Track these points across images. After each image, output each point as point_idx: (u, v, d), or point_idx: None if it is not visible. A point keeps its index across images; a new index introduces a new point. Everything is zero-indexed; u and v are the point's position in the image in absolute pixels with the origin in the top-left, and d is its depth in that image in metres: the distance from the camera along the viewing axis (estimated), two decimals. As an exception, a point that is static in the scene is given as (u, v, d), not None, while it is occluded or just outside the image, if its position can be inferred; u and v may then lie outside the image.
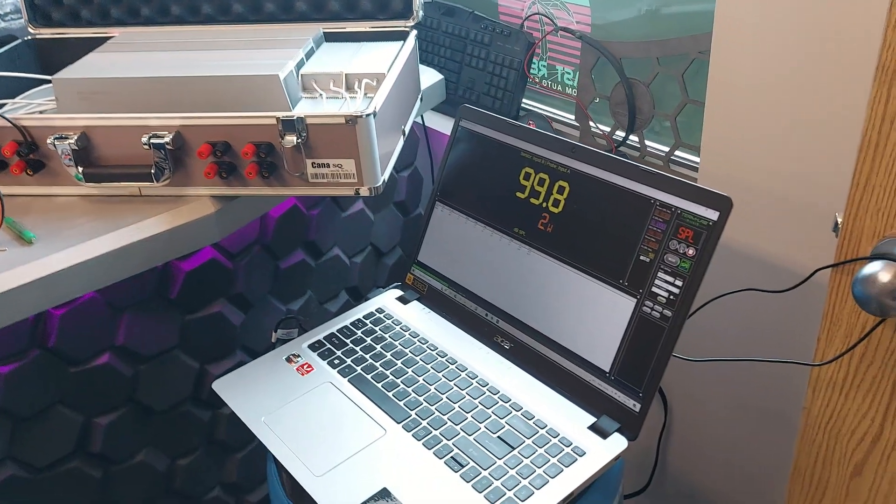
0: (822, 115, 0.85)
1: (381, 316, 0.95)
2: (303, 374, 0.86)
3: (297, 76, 0.96)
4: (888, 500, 0.77)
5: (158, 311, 0.99)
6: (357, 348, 0.90)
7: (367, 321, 0.94)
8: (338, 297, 1.27)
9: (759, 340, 1.03)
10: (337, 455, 0.75)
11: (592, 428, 0.77)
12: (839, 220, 0.71)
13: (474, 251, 0.92)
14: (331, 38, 1.09)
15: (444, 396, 0.82)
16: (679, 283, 0.74)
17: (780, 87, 0.87)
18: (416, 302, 0.98)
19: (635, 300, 0.77)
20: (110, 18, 1.12)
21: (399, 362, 0.87)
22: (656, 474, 1.29)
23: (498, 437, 0.76)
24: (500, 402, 0.80)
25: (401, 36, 1.08)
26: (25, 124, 0.86)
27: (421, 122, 1.35)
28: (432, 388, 0.83)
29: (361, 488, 0.71)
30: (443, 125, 1.35)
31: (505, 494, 0.70)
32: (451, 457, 0.74)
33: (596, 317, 0.80)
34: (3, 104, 0.99)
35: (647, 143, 1.14)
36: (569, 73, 1.23)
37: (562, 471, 0.72)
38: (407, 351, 0.89)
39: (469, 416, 0.79)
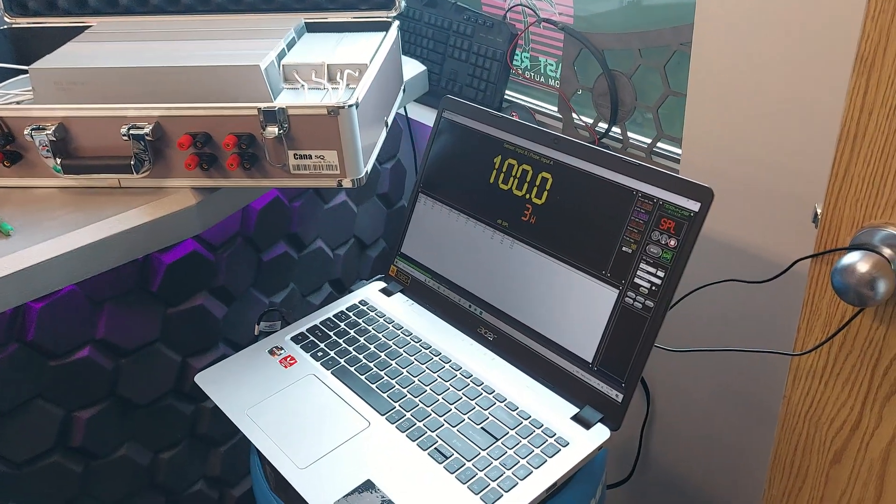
0: (802, 107, 0.85)
1: (365, 308, 0.95)
2: (286, 367, 0.86)
3: (279, 66, 0.95)
4: (867, 487, 0.78)
5: (139, 304, 0.98)
6: (340, 340, 0.90)
7: (351, 313, 0.94)
8: (321, 290, 1.26)
9: (740, 330, 1.04)
10: (321, 447, 0.75)
11: (575, 418, 0.77)
12: (819, 211, 0.71)
13: (457, 243, 0.92)
14: (312, 28, 1.08)
15: (427, 388, 0.82)
16: (661, 273, 0.74)
17: (761, 78, 0.88)
18: (399, 294, 0.98)
19: (618, 291, 0.77)
20: (88, 7, 1.11)
21: (382, 354, 0.87)
22: (639, 464, 1.30)
23: (481, 427, 0.76)
24: (484, 394, 0.81)
25: (383, 26, 1.07)
26: (2, 115, 0.85)
27: (404, 114, 1.35)
28: (416, 379, 0.83)
29: (345, 480, 0.71)
30: (426, 116, 1.35)
31: (489, 485, 0.70)
32: (435, 448, 0.74)
33: (579, 308, 0.80)
34: (-21, 95, 0.97)
35: (630, 134, 1.15)
36: (551, 65, 1.23)
37: (545, 461, 0.72)
38: (390, 343, 0.89)
39: (453, 407, 0.79)
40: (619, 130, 1.15)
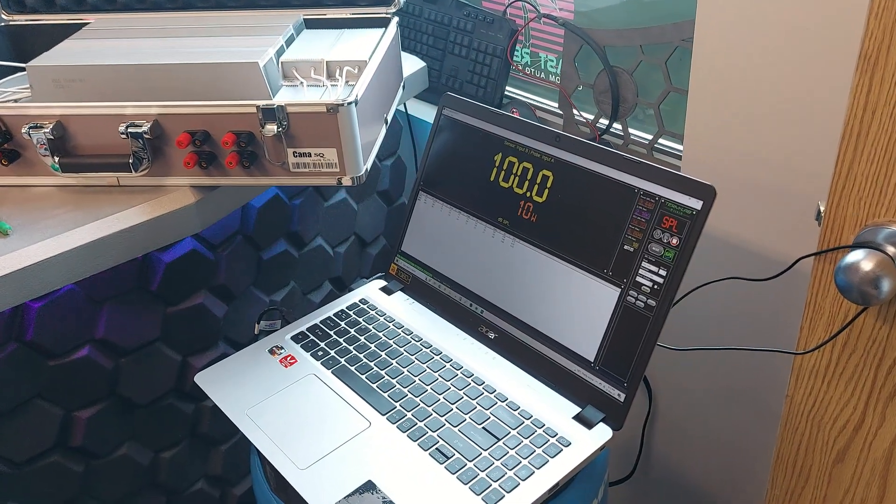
0: (804, 104, 0.85)
1: (365, 307, 0.95)
2: (286, 367, 0.86)
3: (278, 63, 0.94)
4: (870, 487, 0.78)
5: (139, 304, 0.98)
6: (341, 340, 0.89)
7: (351, 312, 0.94)
8: (321, 288, 1.26)
9: (742, 328, 1.03)
10: (321, 448, 0.74)
11: (577, 418, 0.77)
12: (822, 209, 0.71)
13: (458, 241, 0.92)
14: (311, 24, 1.07)
15: (428, 387, 0.81)
16: (663, 272, 0.74)
17: (764, 75, 0.87)
18: (399, 292, 0.97)
19: (619, 290, 0.77)
20: (86, 4, 1.10)
21: (383, 353, 0.87)
22: (641, 462, 1.30)
23: (483, 427, 0.76)
24: (485, 393, 0.80)
25: (382, 23, 1.06)
26: (-1, 113, 0.84)
27: (404, 111, 1.34)
28: (417, 379, 0.82)
29: (346, 481, 0.71)
30: (426, 113, 1.34)
31: (490, 486, 0.70)
32: (436, 448, 0.74)
33: (580, 307, 0.80)
34: (-24, 93, 0.97)
35: (631, 131, 1.14)
36: (552, 61, 1.23)
37: (547, 461, 0.72)
38: (391, 342, 0.88)
39: (454, 407, 0.79)
40: (620, 127, 1.15)
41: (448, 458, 0.73)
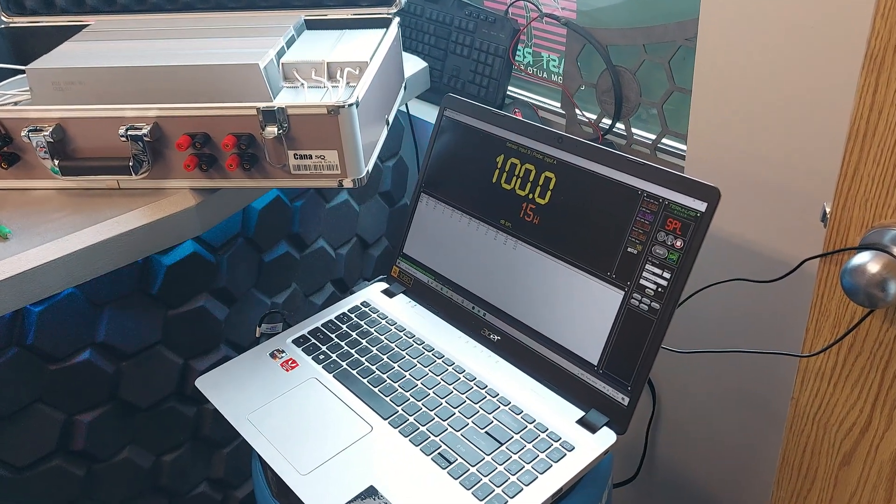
0: (809, 104, 0.84)
1: (367, 310, 0.94)
2: (287, 370, 0.85)
3: (278, 65, 0.94)
4: (877, 490, 0.77)
5: (140, 307, 0.97)
6: (342, 343, 0.89)
7: (353, 315, 0.93)
8: (323, 290, 1.25)
9: (747, 330, 1.03)
10: (323, 453, 0.74)
11: (581, 422, 0.76)
12: (827, 210, 0.70)
13: (460, 243, 0.91)
14: (312, 25, 1.07)
15: (430, 392, 0.81)
16: (667, 275, 0.73)
17: (768, 74, 0.86)
18: (401, 295, 0.97)
19: (623, 293, 0.76)
20: (85, 6, 1.10)
21: (385, 357, 0.86)
22: (644, 464, 1.29)
23: (486, 432, 0.75)
24: (488, 397, 0.80)
25: (383, 23, 1.06)
26: (-2, 116, 0.84)
27: (405, 111, 1.33)
28: (419, 383, 0.82)
29: (348, 487, 0.70)
30: (428, 114, 1.33)
31: (493, 491, 0.69)
32: (439, 453, 0.73)
33: (584, 310, 0.79)
34: (-24, 96, 0.97)
35: (634, 130, 1.13)
36: (554, 61, 1.22)
37: (550, 466, 0.71)
38: (393, 345, 0.88)
39: (456, 411, 0.78)
40: (623, 127, 1.14)
41: (451, 463, 0.72)
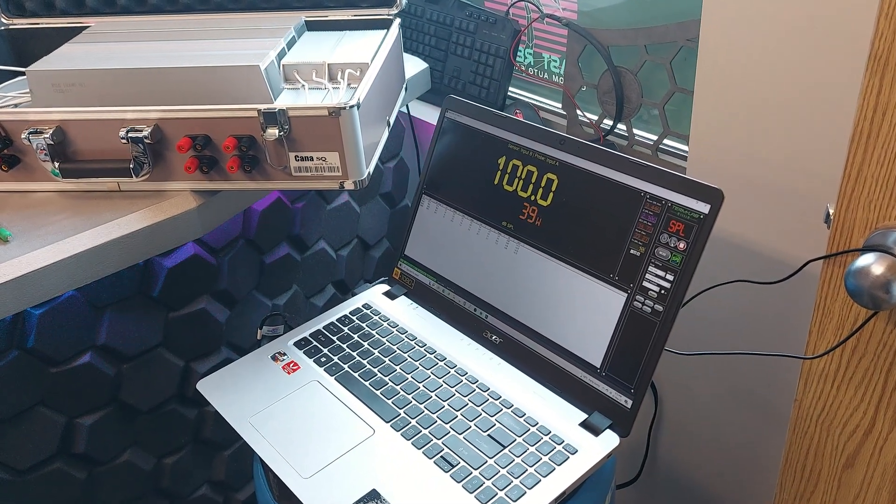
0: (812, 104, 0.84)
1: (368, 312, 0.94)
2: (289, 373, 0.85)
3: (279, 66, 0.93)
4: (880, 492, 0.77)
5: (141, 309, 0.97)
6: (344, 345, 0.88)
7: (354, 317, 0.93)
8: (324, 291, 1.25)
9: (749, 332, 1.02)
10: (325, 456, 0.74)
11: (584, 425, 0.76)
12: (831, 212, 0.70)
13: (462, 245, 0.91)
14: (312, 26, 1.06)
15: (433, 394, 0.80)
16: (670, 277, 0.73)
17: (770, 74, 0.86)
18: (403, 297, 0.96)
19: (626, 295, 0.76)
20: (85, 8, 1.09)
21: (387, 359, 0.86)
22: (647, 465, 1.29)
23: (488, 435, 0.75)
24: (490, 400, 0.79)
25: (384, 24, 1.05)
26: (-2, 119, 0.84)
27: (406, 112, 1.33)
28: (421, 385, 0.82)
29: (350, 490, 0.70)
30: (428, 114, 1.33)
31: (496, 494, 0.69)
32: (441, 456, 0.73)
33: (586, 312, 0.79)
34: (-24, 98, 0.96)
35: (635, 131, 1.13)
36: (555, 61, 1.22)
37: (553, 469, 0.71)
38: (395, 348, 0.87)
39: (459, 414, 0.78)
40: (624, 127, 1.14)
41: (453, 467, 0.72)
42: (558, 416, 0.77)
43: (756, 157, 0.91)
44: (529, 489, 0.69)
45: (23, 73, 1.04)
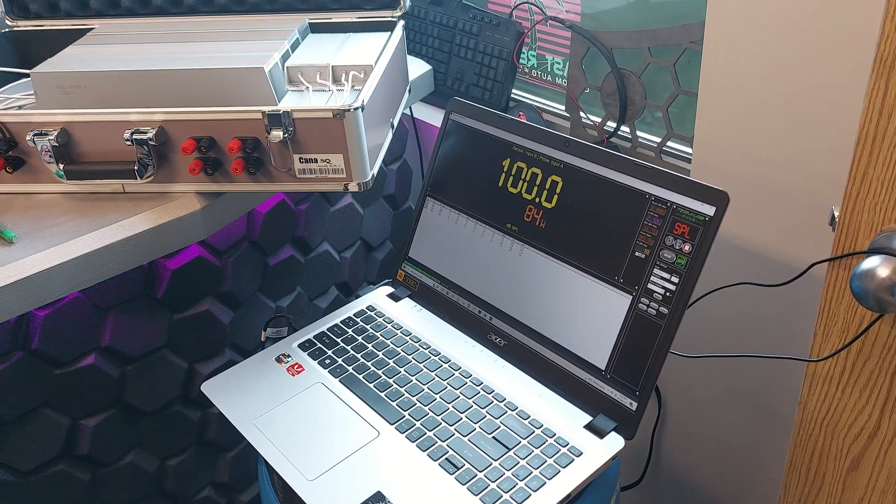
0: (817, 106, 0.84)
1: (373, 314, 0.94)
2: (293, 375, 0.85)
3: (283, 69, 0.93)
4: (885, 495, 0.76)
5: (145, 311, 0.97)
6: (348, 347, 0.88)
7: (358, 319, 0.93)
8: (328, 293, 1.25)
9: (754, 334, 1.02)
10: (329, 458, 0.74)
11: (588, 427, 0.76)
12: (836, 214, 0.70)
13: (466, 247, 0.91)
14: (316, 28, 1.07)
15: (437, 396, 0.80)
16: (675, 279, 0.73)
17: (774, 77, 0.86)
18: (407, 299, 0.96)
19: (631, 297, 0.76)
20: (90, 10, 1.10)
21: (391, 361, 0.86)
22: (650, 467, 1.29)
23: (493, 437, 0.75)
24: (495, 402, 0.79)
25: (388, 26, 1.05)
26: (4, 120, 0.84)
27: (409, 114, 1.33)
28: (425, 387, 0.82)
29: (355, 492, 0.70)
30: (432, 117, 1.33)
31: (501, 497, 0.69)
32: (446, 458, 0.73)
33: (591, 314, 0.79)
34: (-20, 100, 0.96)
35: (639, 133, 1.13)
36: (559, 63, 1.22)
37: (558, 472, 0.71)
38: (399, 350, 0.87)
39: (463, 416, 0.78)
40: (627, 129, 1.14)
41: (458, 469, 0.72)
42: (563, 418, 0.77)
43: (760, 160, 0.91)
44: (534, 491, 0.69)
45: (27, 75, 1.04)
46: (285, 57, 0.94)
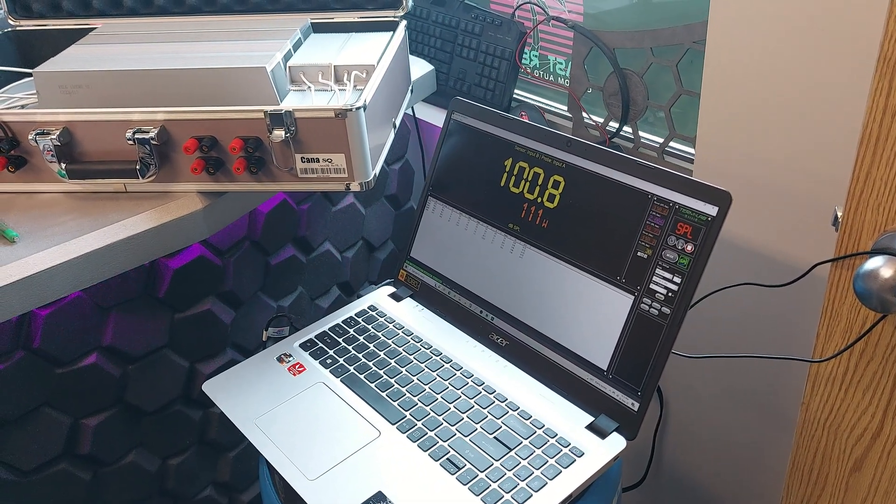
0: (820, 106, 0.84)
1: (374, 314, 0.94)
2: (295, 375, 0.85)
3: (285, 68, 0.93)
4: (888, 496, 0.76)
5: (146, 311, 0.97)
6: (350, 347, 0.88)
7: (360, 319, 0.93)
8: (329, 293, 1.25)
9: (757, 335, 1.02)
10: (331, 458, 0.73)
11: (590, 427, 0.76)
12: (839, 214, 0.70)
13: (468, 247, 0.91)
14: (319, 28, 1.07)
15: (438, 396, 0.80)
16: (678, 279, 0.73)
17: (777, 77, 0.86)
18: (409, 299, 0.96)
19: (633, 297, 0.76)
20: (92, 9, 1.10)
21: (393, 361, 0.86)
22: (652, 468, 1.29)
23: (494, 437, 0.75)
24: (497, 402, 0.79)
25: (390, 26, 1.05)
26: (6, 119, 0.84)
27: (412, 114, 1.33)
28: (427, 387, 0.81)
29: (356, 492, 0.70)
30: (434, 117, 1.33)
31: (503, 497, 0.68)
32: (447, 459, 0.73)
33: (593, 314, 0.78)
34: (-17, 99, 0.96)
35: (641, 134, 1.13)
36: (561, 64, 1.21)
37: (560, 472, 0.71)
38: (400, 349, 0.87)
39: (465, 416, 0.78)
40: (630, 130, 1.13)
41: (459, 469, 0.72)
42: (565, 418, 0.77)
43: (763, 160, 0.91)
44: (536, 492, 0.69)
45: (30, 75, 1.04)
46: (287, 57, 0.94)
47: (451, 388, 0.81)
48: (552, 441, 0.74)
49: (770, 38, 0.85)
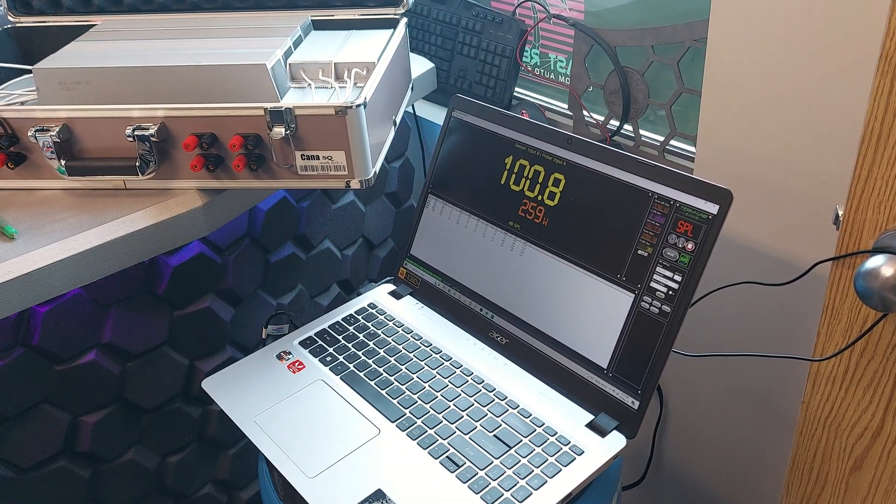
0: (821, 105, 0.83)
1: (374, 311, 0.94)
2: (294, 372, 0.85)
3: (285, 65, 0.93)
4: (888, 495, 0.76)
5: (145, 308, 0.97)
6: (349, 345, 0.88)
7: (360, 317, 0.93)
8: (329, 291, 1.25)
9: (757, 333, 1.02)
10: (330, 456, 0.73)
11: (590, 426, 0.76)
12: (840, 213, 0.69)
13: (468, 245, 0.91)
14: (319, 25, 1.06)
15: (438, 394, 0.80)
16: (678, 277, 0.72)
17: (779, 75, 0.86)
18: (409, 297, 0.96)
19: (633, 295, 0.75)
20: (92, 6, 1.09)
21: (392, 359, 0.85)
22: (652, 466, 1.29)
23: (494, 435, 0.75)
24: (497, 400, 0.79)
25: (391, 23, 1.05)
26: (5, 116, 0.84)
27: (412, 112, 1.33)
28: (427, 385, 0.81)
29: (355, 490, 0.70)
30: (434, 114, 1.33)
31: (502, 495, 0.68)
32: (447, 456, 0.73)
33: (593, 312, 0.78)
34: (-18, 95, 0.96)
35: (642, 132, 1.13)
36: (562, 61, 1.21)
37: (560, 470, 0.70)
38: (400, 347, 0.87)
39: (464, 414, 0.77)
40: (630, 128, 1.13)
41: (459, 467, 0.72)
42: (564, 416, 0.77)
43: (764, 158, 0.91)
44: (536, 490, 0.69)
45: (29, 71, 1.04)
46: (288, 54, 0.94)
47: (450, 385, 0.81)
48: (552, 439, 0.74)
49: (771, 37, 0.84)
